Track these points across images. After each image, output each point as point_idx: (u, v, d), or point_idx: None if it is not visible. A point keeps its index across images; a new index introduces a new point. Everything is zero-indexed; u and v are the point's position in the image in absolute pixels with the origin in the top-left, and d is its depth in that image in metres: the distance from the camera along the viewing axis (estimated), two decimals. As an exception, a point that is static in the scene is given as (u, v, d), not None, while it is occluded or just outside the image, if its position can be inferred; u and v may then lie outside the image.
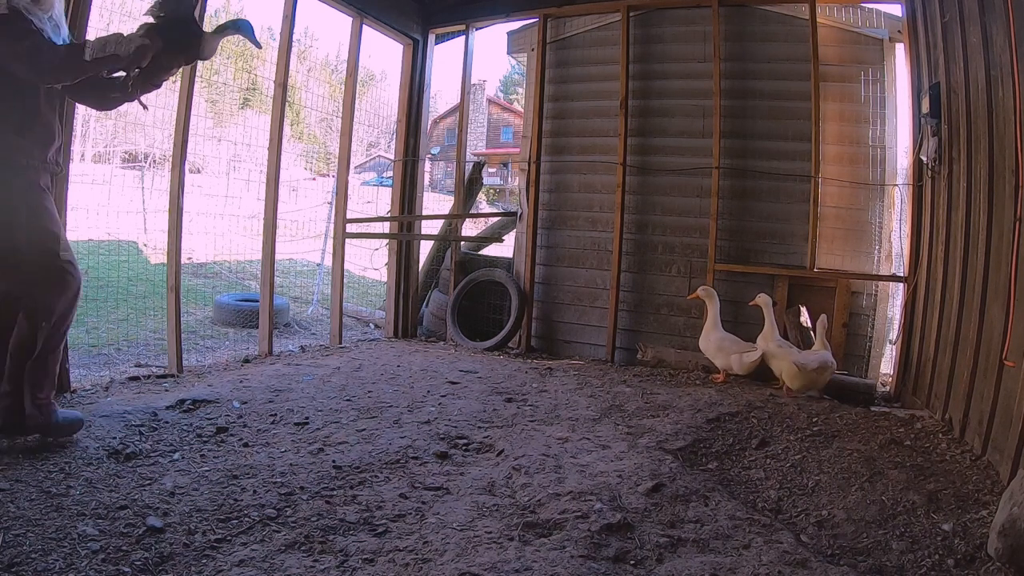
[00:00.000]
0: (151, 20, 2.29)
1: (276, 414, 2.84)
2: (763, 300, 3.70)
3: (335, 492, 2.11)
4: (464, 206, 5.65)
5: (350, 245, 4.99)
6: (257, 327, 4.44)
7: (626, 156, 4.56)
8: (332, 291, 4.77)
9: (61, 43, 2.22)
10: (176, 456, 2.33)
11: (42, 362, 2.21)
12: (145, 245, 8.37)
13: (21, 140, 2.16)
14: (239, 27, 2.48)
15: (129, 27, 2.45)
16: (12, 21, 2.06)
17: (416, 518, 1.96)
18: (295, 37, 4.33)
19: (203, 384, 3.28)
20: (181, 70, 2.86)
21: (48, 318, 2.19)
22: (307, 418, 2.81)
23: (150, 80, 2.38)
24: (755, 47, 4.41)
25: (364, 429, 2.71)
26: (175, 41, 2.31)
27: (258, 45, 2.60)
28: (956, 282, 3.02)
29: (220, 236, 7.15)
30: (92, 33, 2.98)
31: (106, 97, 2.43)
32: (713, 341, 3.81)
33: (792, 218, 4.30)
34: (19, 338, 2.19)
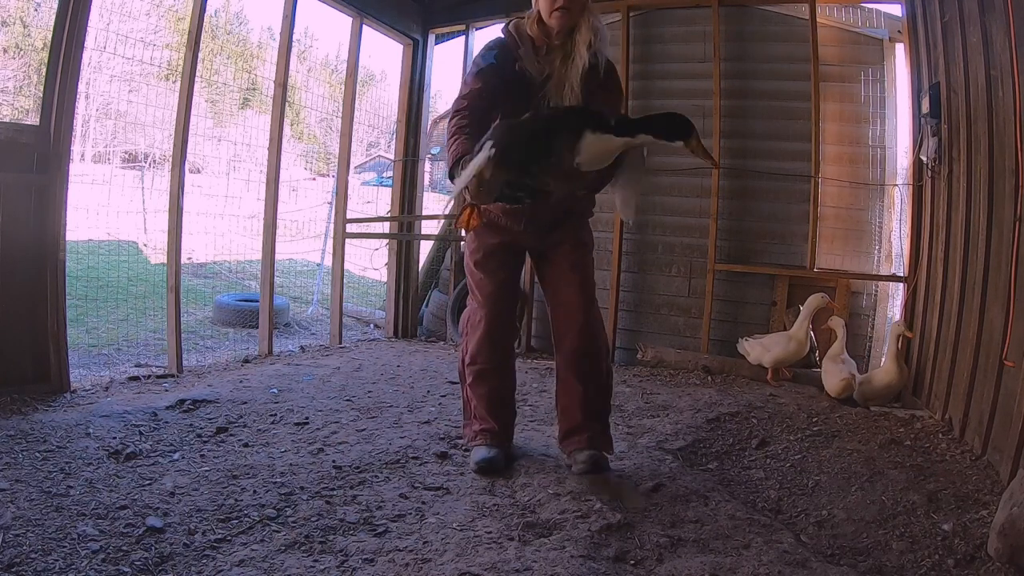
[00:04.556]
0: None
1: (276, 414, 2.84)
2: (835, 323, 3.58)
3: (335, 492, 2.11)
4: (464, 206, 5.64)
5: (350, 245, 4.99)
6: (257, 327, 4.44)
7: (626, 156, 4.56)
8: (332, 291, 4.77)
9: None
10: (176, 456, 2.33)
11: None
12: (145, 245, 8.36)
13: None
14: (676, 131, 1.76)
15: (129, 27, 2.44)
16: None
17: (416, 518, 1.96)
18: (295, 37, 4.33)
19: (203, 384, 3.28)
20: (180, 69, 2.84)
21: None
22: (307, 418, 2.81)
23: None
24: (755, 47, 4.41)
25: (364, 429, 2.71)
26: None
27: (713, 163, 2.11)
28: (956, 282, 3.02)
29: (220, 236, 7.14)
30: (92, 33, 2.98)
31: None
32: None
33: (792, 218, 4.29)
34: None
